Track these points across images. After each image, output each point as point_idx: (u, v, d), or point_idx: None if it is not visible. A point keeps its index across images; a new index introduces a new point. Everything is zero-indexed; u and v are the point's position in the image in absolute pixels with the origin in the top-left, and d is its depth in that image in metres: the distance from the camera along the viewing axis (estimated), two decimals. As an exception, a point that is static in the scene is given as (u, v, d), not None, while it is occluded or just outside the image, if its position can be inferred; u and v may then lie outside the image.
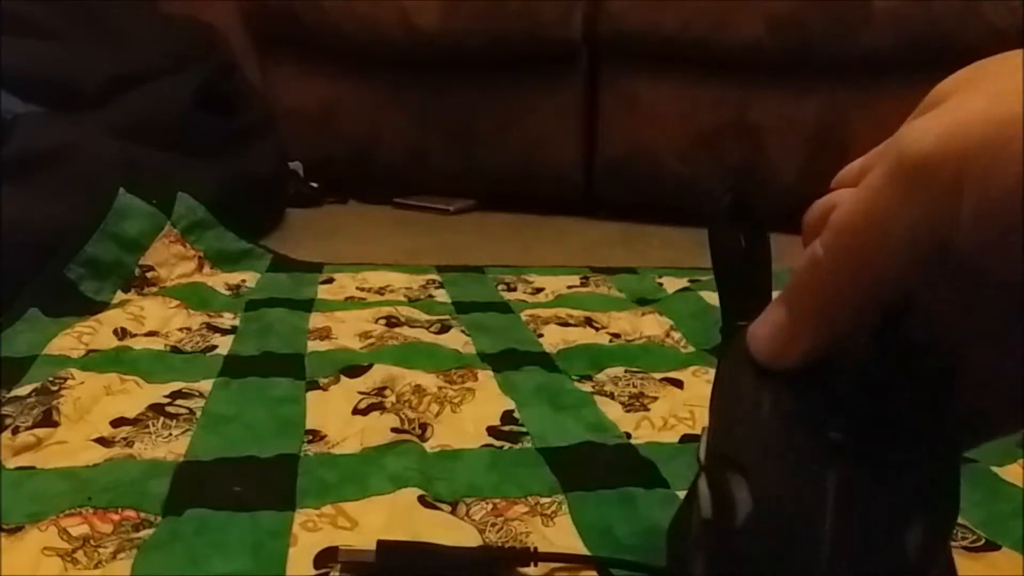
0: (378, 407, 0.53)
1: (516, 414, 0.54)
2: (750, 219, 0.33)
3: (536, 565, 0.37)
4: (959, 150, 0.20)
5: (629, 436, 0.52)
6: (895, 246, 0.21)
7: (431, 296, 0.85)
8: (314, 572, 0.36)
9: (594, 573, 0.37)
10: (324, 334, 0.69)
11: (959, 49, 1.03)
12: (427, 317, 0.75)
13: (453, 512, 0.42)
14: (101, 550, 0.37)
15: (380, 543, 0.36)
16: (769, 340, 0.25)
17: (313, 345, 0.66)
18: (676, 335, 0.72)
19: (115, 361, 0.59)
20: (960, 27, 1.18)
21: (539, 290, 0.89)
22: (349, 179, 1.51)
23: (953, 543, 0.39)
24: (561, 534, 0.40)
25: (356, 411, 0.53)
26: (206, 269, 0.87)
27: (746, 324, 0.28)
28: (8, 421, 0.48)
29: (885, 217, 0.21)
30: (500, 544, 0.39)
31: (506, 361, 0.63)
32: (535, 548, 0.37)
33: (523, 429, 0.52)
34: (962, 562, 0.38)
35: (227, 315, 0.74)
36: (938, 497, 0.25)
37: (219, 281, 0.84)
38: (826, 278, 0.23)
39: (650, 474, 0.46)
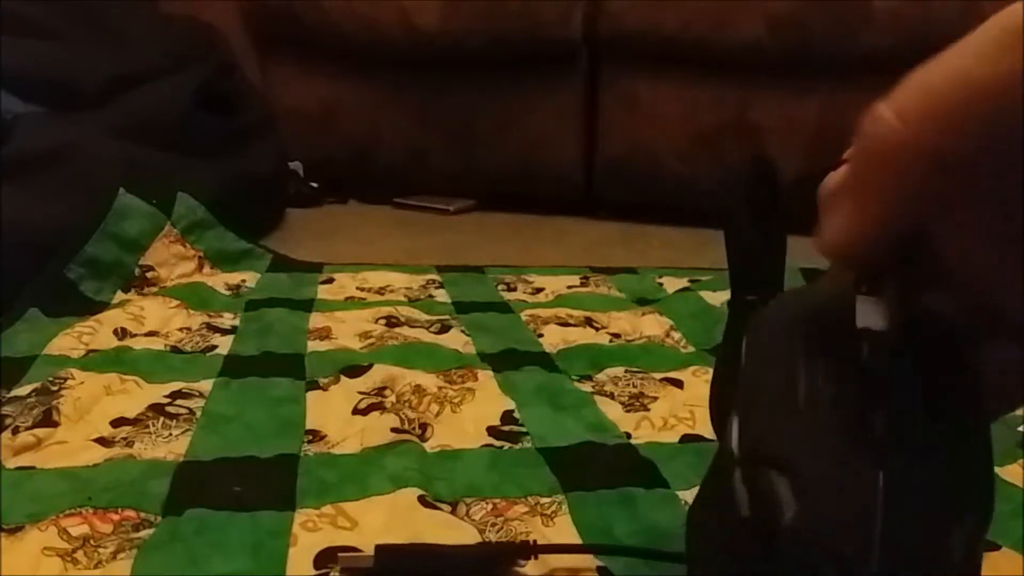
0: (378, 407, 0.53)
1: (516, 414, 0.54)
2: (769, 193, 0.32)
3: (536, 558, 0.37)
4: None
5: (629, 436, 0.52)
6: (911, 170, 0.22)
7: (431, 296, 0.85)
8: (314, 572, 0.36)
9: (594, 573, 0.36)
10: (324, 334, 0.69)
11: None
12: (427, 317, 0.75)
13: (453, 512, 0.42)
14: (101, 550, 0.37)
15: (379, 547, 0.36)
16: (840, 228, 0.24)
17: (313, 345, 0.66)
18: (676, 335, 0.72)
19: (115, 361, 0.59)
20: (960, 27, 1.17)
21: (539, 290, 0.89)
22: (349, 179, 1.51)
23: (953, 543, 0.39)
24: (561, 534, 0.40)
25: (356, 411, 0.53)
26: (206, 269, 0.87)
27: (756, 298, 0.27)
28: (8, 421, 0.48)
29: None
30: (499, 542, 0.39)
31: (506, 361, 0.63)
32: (535, 541, 0.37)
33: (523, 429, 0.52)
34: (962, 562, 0.38)
35: (227, 315, 0.74)
36: (981, 494, 0.25)
37: (219, 281, 0.84)
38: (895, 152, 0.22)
39: (650, 474, 0.46)
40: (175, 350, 0.64)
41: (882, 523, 0.22)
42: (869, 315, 0.24)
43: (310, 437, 0.50)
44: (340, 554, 0.36)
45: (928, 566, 0.23)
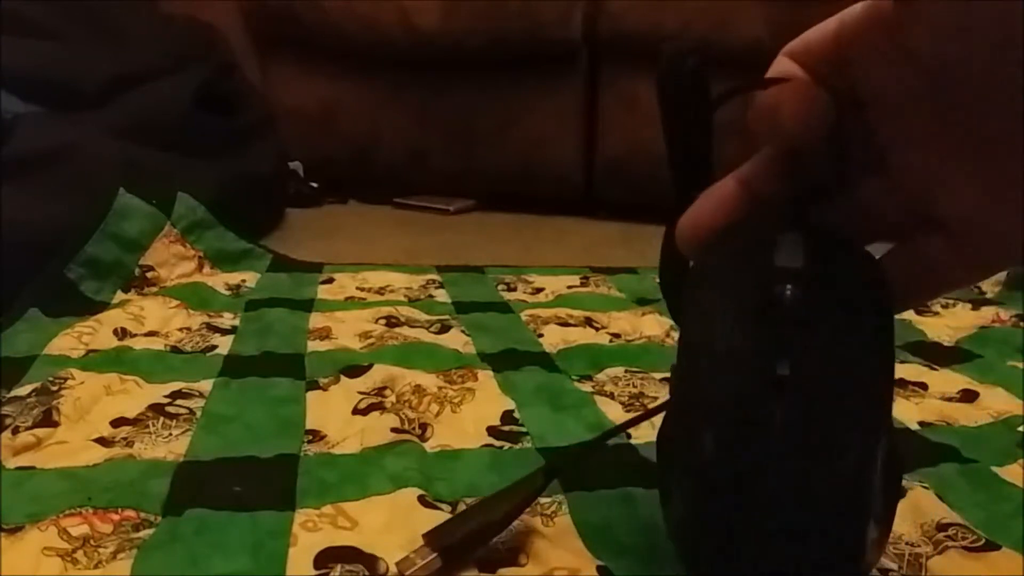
0: (378, 407, 0.53)
1: (516, 414, 0.54)
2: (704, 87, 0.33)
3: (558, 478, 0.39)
4: None
5: (629, 436, 0.52)
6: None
7: (431, 296, 0.85)
8: (314, 572, 0.36)
9: (594, 573, 0.36)
10: (324, 334, 0.69)
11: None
12: (427, 317, 0.75)
13: (453, 512, 0.42)
14: (101, 550, 0.37)
15: (431, 542, 0.35)
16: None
17: (313, 345, 0.66)
18: (676, 335, 0.72)
19: (115, 361, 0.59)
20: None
21: (539, 290, 0.89)
22: (349, 179, 1.51)
23: (953, 543, 0.39)
24: (561, 534, 0.40)
25: (356, 411, 0.53)
26: (206, 269, 0.87)
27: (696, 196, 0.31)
28: (8, 421, 0.48)
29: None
30: (499, 546, 0.39)
31: (506, 361, 0.63)
32: (551, 466, 0.39)
33: (523, 429, 0.52)
34: (962, 562, 0.38)
35: (227, 315, 0.74)
36: (876, 413, 0.27)
37: (219, 281, 0.84)
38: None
39: (650, 474, 0.46)
40: (175, 350, 0.64)
41: (777, 455, 0.26)
42: (788, 256, 0.27)
43: (310, 437, 0.50)
44: (401, 568, 0.35)
45: (825, 485, 0.26)
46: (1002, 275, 0.92)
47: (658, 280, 0.36)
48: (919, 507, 0.42)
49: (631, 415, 0.55)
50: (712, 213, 0.29)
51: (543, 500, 0.43)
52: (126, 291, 0.77)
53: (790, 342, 0.26)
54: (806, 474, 0.26)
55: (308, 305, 0.78)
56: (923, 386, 0.62)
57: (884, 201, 0.28)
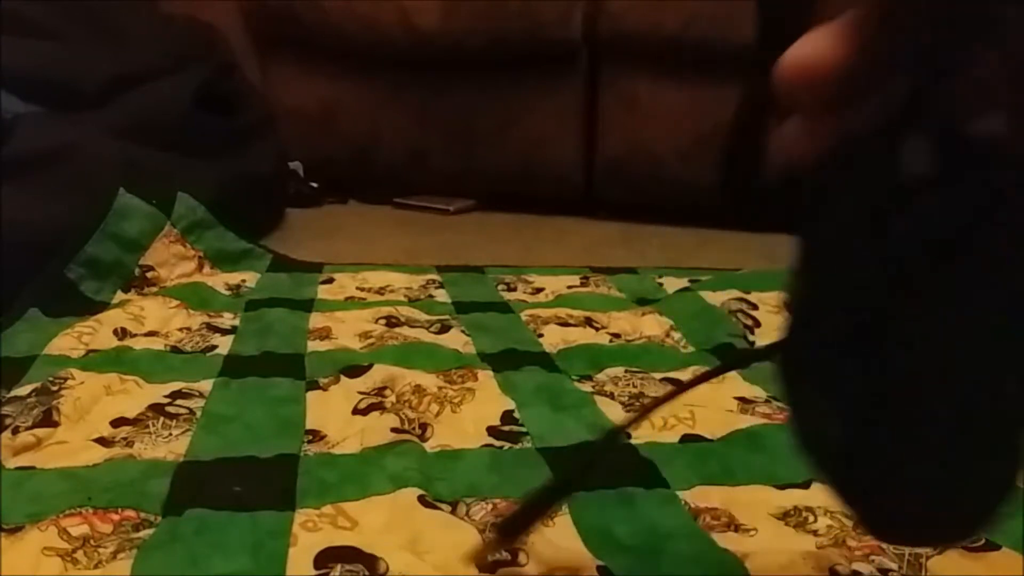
0: (378, 407, 0.53)
1: (516, 414, 0.54)
2: None
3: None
4: None
5: (629, 436, 0.52)
6: None
7: (431, 296, 0.85)
8: (314, 572, 0.36)
9: (594, 573, 0.37)
10: (324, 334, 0.69)
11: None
12: (427, 317, 0.75)
13: (453, 512, 0.42)
14: (101, 550, 0.37)
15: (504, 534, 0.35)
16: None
17: (313, 345, 0.66)
18: (676, 335, 0.72)
19: (115, 361, 0.59)
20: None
21: (539, 290, 0.89)
22: (349, 179, 1.51)
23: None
24: (561, 534, 0.40)
25: (356, 411, 0.53)
26: (206, 269, 0.87)
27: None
28: (8, 421, 0.48)
29: None
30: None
31: (506, 361, 0.63)
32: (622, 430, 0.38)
33: (523, 429, 0.52)
34: (962, 562, 0.38)
35: (227, 315, 0.74)
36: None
37: (219, 281, 0.84)
38: None
39: (650, 474, 0.46)
40: (175, 350, 0.64)
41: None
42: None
43: (310, 437, 0.50)
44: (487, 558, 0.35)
45: None
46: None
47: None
48: (919, 507, 0.42)
49: (631, 415, 0.55)
50: (819, 52, 0.26)
51: (543, 500, 0.43)
52: (126, 291, 0.77)
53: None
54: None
55: (308, 305, 0.78)
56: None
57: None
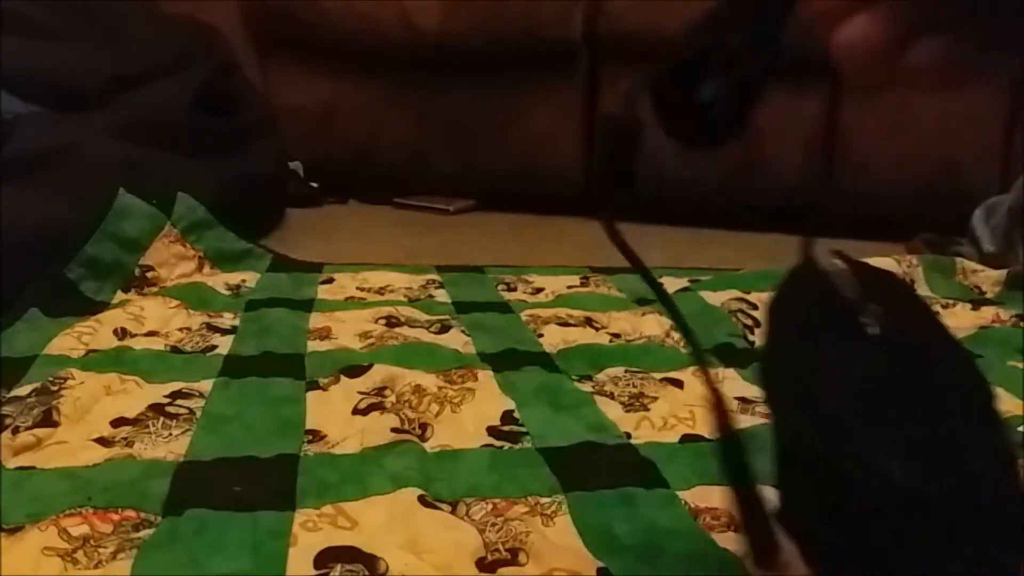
0: (378, 407, 0.53)
1: (516, 414, 0.54)
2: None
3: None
4: None
5: (629, 436, 0.52)
6: None
7: (431, 296, 0.85)
8: (314, 572, 0.36)
9: (594, 573, 0.37)
10: (324, 334, 0.69)
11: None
12: (427, 317, 0.75)
13: (453, 512, 0.42)
14: (101, 550, 0.37)
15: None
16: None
17: (313, 345, 0.66)
18: (676, 335, 0.72)
19: (115, 361, 0.59)
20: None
21: (539, 290, 0.89)
22: (349, 179, 1.51)
23: (953, 543, 0.39)
24: (561, 534, 0.40)
25: (356, 411, 0.53)
26: (206, 269, 0.87)
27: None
28: (8, 421, 0.48)
29: None
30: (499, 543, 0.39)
31: (506, 361, 0.63)
32: None
33: (523, 429, 0.52)
34: (962, 562, 0.38)
35: (227, 315, 0.74)
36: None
37: (219, 281, 0.84)
38: None
39: (650, 474, 0.46)
40: (175, 350, 0.64)
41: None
42: (846, 287, 0.29)
43: (310, 437, 0.50)
44: None
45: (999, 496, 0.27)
46: (1002, 275, 0.92)
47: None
48: (919, 507, 0.42)
49: (631, 415, 0.55)
50: (873, 28, 0.26)
51: (543, 500, 0.43)
52: (126, 291, 0.77)
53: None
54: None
55: (308, 305, 0.78)
56: (923, 386, 0.62)
57: None
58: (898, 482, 0.26)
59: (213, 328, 0.70)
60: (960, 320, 0.80)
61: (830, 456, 0.28)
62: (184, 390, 0.56)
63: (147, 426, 0.50)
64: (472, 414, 0.54)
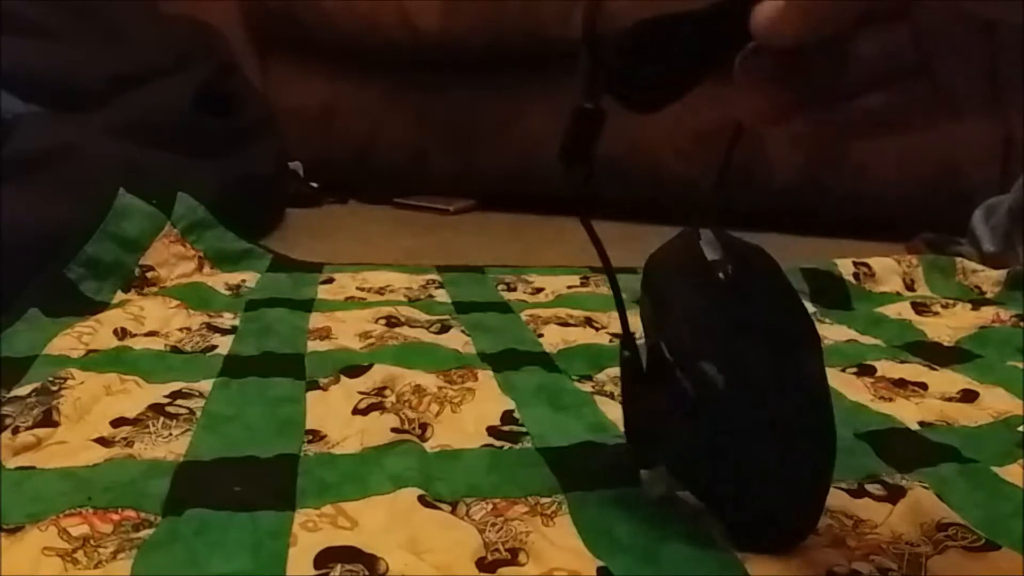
0: (378, 407, 0.53)
1: (516, 414, 0.54)
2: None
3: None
4: None
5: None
6: None
7: (431, 296, 0.85)
8: (314, 572, 0.36)
9: (594, 573, 0.36)
10: (324, 334, 0.69)
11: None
12: (427, 317, 0.75)
13: (453, 512, 0.42)
14: (101, 550, 0.37)
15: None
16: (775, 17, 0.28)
17: (313, 345, 0.66)
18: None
19: (115, 361, 0.59)
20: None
21: (539, 290, 0.89)
22: (349, 179, 1.51)
23: (953, 543, 0.39)
24: (561, 534, 0.40)
25: (356, 411, 0.53)
26: (206, 269, 0.87)
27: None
28: (8, 421, 0.48)
29: None
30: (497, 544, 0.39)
31: (506, 361, 0.63)
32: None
33: (523, 429, 0.52)
34: (962, 562, 0.38)
35: (227, 315, 0.74)
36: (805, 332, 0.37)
37: (219, 281, 0.84)
38: None
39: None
40: (175, 350, 0.64)
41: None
42: (711, 252, 0.38)
43: (310, 437, 0.50)
44: None
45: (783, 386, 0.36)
46: (1002, 275, 0.92)
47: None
48: (919, 507, 0.42)
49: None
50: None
51: (543, 500, 0.43)
52: (126, 291, 0.77)
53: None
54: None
55: (308, 305, 0.78)
56: (923, 386, 0.62)
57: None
58: (717, 383, 0.36)
59: (213, 328, 0.70)
60: (960, 320, 0.81)
61: (675, 365, 0.38)
62: (184, 390, 0.56)
63: (147, 426, 0.50)
64: (472, 414, 0.54)
